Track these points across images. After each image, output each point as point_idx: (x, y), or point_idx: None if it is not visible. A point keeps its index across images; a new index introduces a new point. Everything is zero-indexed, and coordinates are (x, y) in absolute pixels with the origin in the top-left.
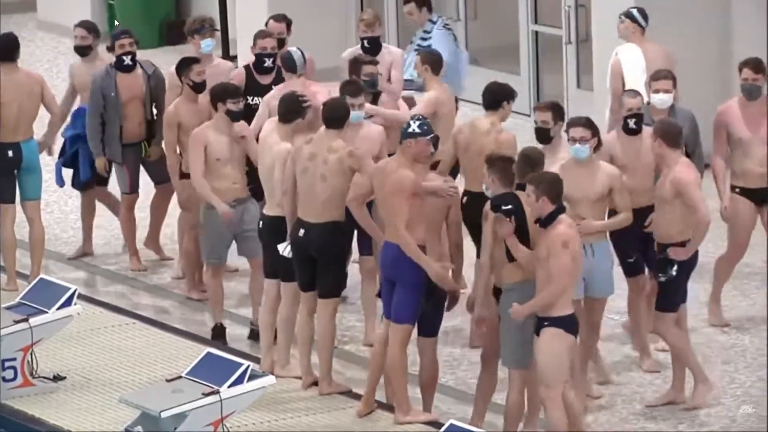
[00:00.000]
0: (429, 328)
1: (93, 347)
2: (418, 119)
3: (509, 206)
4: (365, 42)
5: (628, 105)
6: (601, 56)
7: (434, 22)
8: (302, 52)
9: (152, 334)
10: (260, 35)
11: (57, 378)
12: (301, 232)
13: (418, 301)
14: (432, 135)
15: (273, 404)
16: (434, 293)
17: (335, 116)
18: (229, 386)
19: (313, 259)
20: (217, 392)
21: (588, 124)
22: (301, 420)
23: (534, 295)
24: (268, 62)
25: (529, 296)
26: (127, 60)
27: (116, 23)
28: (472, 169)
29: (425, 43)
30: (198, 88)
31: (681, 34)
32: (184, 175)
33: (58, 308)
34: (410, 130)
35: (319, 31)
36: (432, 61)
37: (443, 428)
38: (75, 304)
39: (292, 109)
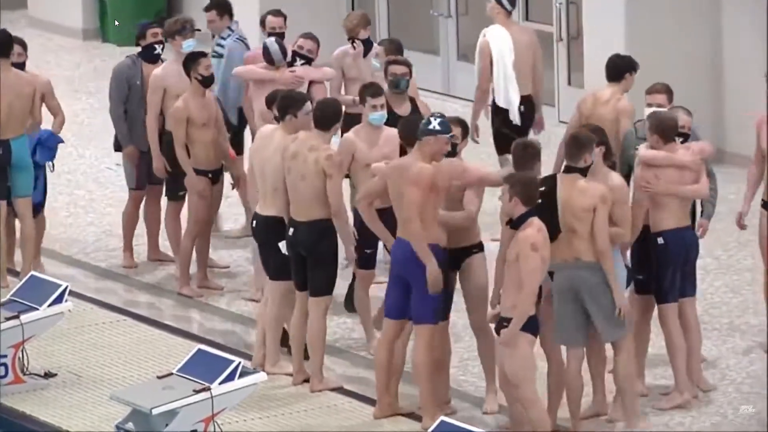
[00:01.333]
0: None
1: (84, 344)
2: (439, 116)
3: (542, 188)
4: (352, 44)
5: (681, 122)
6: (593, 53)
7: (232, 30)
8: (279, 44)
9: (143, 331)
10: (303, 35)
11: (48, 375)
12: (291, 231)
13: (438, 299)
14: (451, 134)
15: (264, 401)
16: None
17: (324, 116)
18: (220, 383)
19: (304, 258)
20: (209, 389)
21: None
22: (293, 417)
23: (583, 275)
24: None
25: (580, 275)
26: (159, 49)
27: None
28: None
29: (220, 50)
30: (206, 82)
31: (671, 31)
32: (194, 171)
33: (50, 305)
34: (431, 127)
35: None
36: (397, 49)
37: (433, 426)
38: (66, 301)
39: (327, 115)
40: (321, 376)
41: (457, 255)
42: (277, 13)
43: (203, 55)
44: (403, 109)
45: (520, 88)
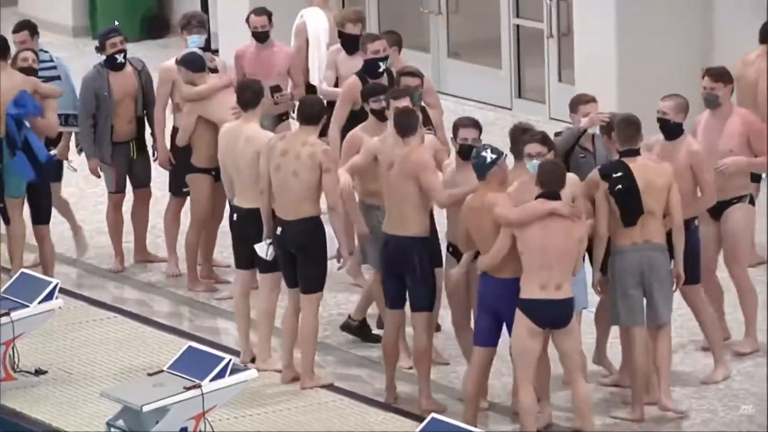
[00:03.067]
0: (414, 302)
1: (75, 341)
2: (487, 147)
3: (619, 174)
4: (341, 39)
5: (659, 106)
6: (583, 50)
7: (44, 51)
8: (201, 54)
9: (134, 328)
10: (369, 39)
11: (39, 372)
12: (278, 230)
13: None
14: (504, 154)
15: (255, 398)
16: (416, 272)
17: (311, 113)
18: (210, 380)
19: (293, 255)
20: (199, 386)
21: (544, 140)
22: (283, 414)
23: (656, 256)
24: (383, 66)
25: (653, 257)
26: (120, 58)
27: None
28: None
29: (55, 72)
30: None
31: (662, 28)
32: (196, 169)
33: (40, 302)
34: (488, 161)
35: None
36: (397, 41)
37: (424, 422)
38: (57, 298)
39: (315, 112)
40: (312, 374)
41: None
42: (260, 11)
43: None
44: None
45: None
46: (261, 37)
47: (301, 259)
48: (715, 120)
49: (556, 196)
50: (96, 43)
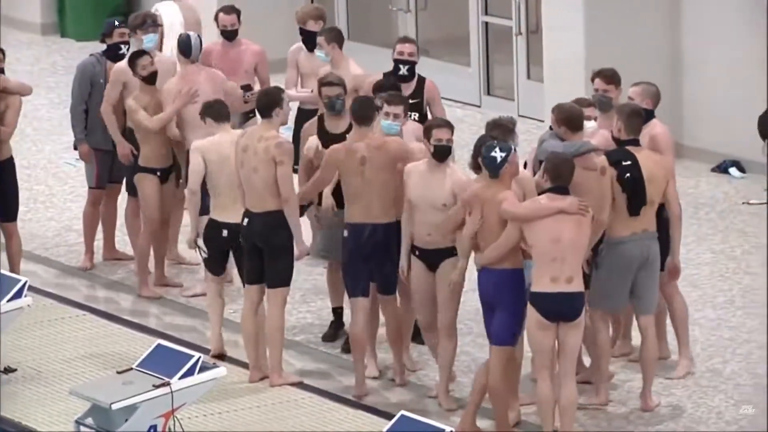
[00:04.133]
0: (388, 287)
1: (44, 339)
2: (495, 145)
3: (629, 162)
4: (302, 36)
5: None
6: (552, 48)
7: None
8: (200, 39)
9: (103, 326)
10: (399, 40)
11: (8, 370)
12: (245, 221)
13: (519, 324)
14: (513, 148)
15: (224, 396)
16: (392, 258)
17: (266, 104)
18: (179, 378)
19: (260, 250)
20: (168, 384)
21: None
22: (253, 412)
23: (652, 245)
24: (404, 69)
25: (651, 246)
26: (124, 49)
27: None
28: None
29: None
30: (148, 80)
31: (630, 26)
32: (142, 169)
33: (9, 300)
34: (500, 160)
35: (268, 23)
36: (337, 37)
37: (393, 420)
38: (25, 296)
39: (269, 102)
40: (281, 371)
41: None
42: (229, 10)
43: (142, 54)
44: (341, 127)
45: None
46: (229, 35)
47: (266, 253)
48: (608, 122)
49: (565, 191)
50: (65, 39)
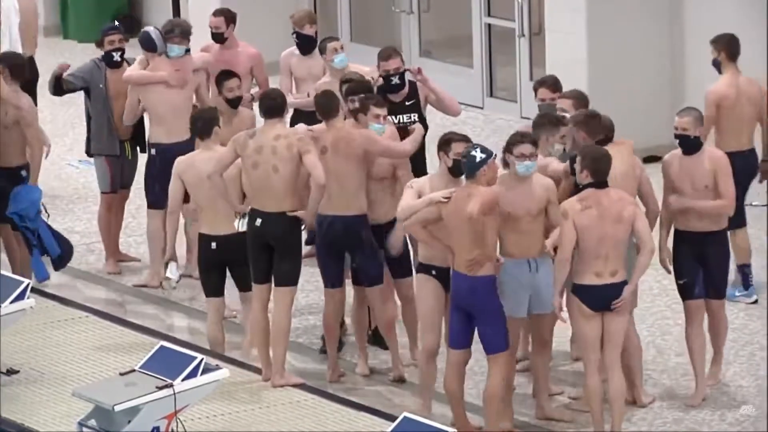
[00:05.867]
0: (368, 279)
1: (46, 341)
2: (477, 146)
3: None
4: (295, 39)
5: (677, 123)
6: (554, 49)
7: None
8: (160, 32)
9: (105, 328)
10: (383, 58)
11: (10, 372)
12: (258, 221)
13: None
14: (494, 153)
15: (227, 397)
16: (363, 249)
17: (274, 105)
18: (182, 379)
19: (270, 249)
20: (171, 386)
21: (534, 142)
22: (255, 413)
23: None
24: (395, 80)
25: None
26: (116, 56)
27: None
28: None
29: None
30: (232, 104)
31: (633, 27)
32: None
33: (11, 302)
34: (478, 160)
35: (266, 25)
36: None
37: (396, 421)
38: (28, 297)
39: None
40: (283, 371)
41: None
42: (218, 12)
43: (230, 76)
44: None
45: None
46: (217, 38)
47: (278, 252)
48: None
49: (604, 185)
50: (67, 41)
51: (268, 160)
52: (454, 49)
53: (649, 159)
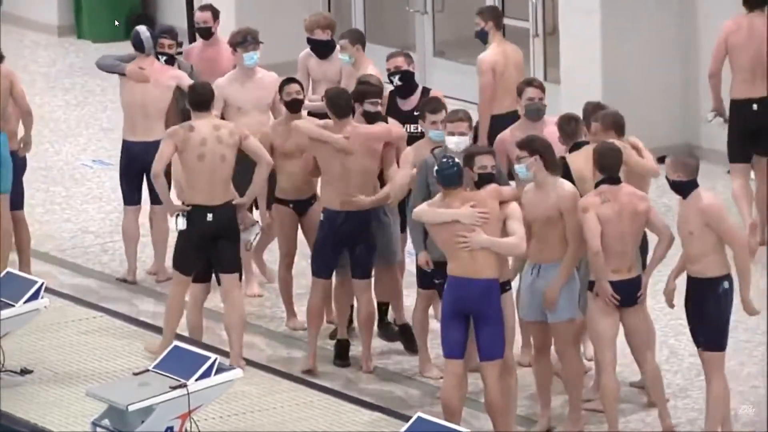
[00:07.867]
0: (362, 272)
1: (60, 341)
2: (451, 157)
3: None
4: (309, 45)
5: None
6: (569, 49)
7: None
8: (150, 33)
9: (119, 328)
10: (390, 55)
11: (24, 371)
12: (209, 216)
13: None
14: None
15: (241, 397)
16: (368, 242)
17: (203, 99)
18: (196, 380)
19: (213, 242)
20: (185, 386)
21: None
22: (269, 413)
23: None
24: (395, 80)
25: None
26: (162, 61)
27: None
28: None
29: None
30: (291, 106)
31: (646, 26)
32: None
33: (26, 302)
34: (458, 170)
35: (283, 28)
36: (360, 39)
37: (410, 422)
38: (42, 297)
39: (207, 97)
40: (241, 359)
41: None
42: (205, 7)
43: (291, 81)
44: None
45: None
46: (203, 33)
47: (224, 240)
48: (535, 131)
49: (616, 181)
50: (81, 40)
51: (215, 149)
52: (469, 48)
53: (662, 160)
